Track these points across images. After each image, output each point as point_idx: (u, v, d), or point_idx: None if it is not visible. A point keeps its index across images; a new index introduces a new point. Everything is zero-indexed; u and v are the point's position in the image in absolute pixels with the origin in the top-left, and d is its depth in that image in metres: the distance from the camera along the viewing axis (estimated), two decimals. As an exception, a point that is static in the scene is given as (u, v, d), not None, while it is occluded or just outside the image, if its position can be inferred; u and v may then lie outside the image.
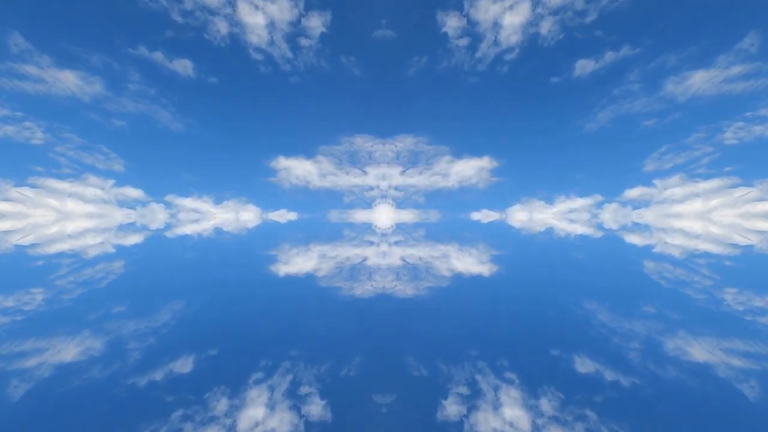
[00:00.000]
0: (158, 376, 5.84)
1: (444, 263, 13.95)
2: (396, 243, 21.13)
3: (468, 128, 27.99)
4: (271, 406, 5.07)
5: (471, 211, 30.57)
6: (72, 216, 23.29)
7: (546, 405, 5.09)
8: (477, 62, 23.00)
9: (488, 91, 24.14)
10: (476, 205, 30.35)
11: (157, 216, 26.23)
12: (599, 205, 27.18)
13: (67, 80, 20.57)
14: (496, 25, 20.82)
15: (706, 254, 16.09)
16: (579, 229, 23.50)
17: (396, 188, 28.80)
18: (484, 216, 30.26)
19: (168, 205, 26.25)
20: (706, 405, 4.97)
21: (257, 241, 19.63)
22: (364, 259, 14.87)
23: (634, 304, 9.27)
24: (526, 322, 8.14)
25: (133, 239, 18.80)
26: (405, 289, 10.47)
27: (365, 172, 29.20)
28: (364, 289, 10.57)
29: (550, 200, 28.61)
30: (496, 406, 5.04)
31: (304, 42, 21.81)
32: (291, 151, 28.09)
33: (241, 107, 25.48)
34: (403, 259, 14.78)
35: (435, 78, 24.06)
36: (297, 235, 20.13)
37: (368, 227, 26.84)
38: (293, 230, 27.16)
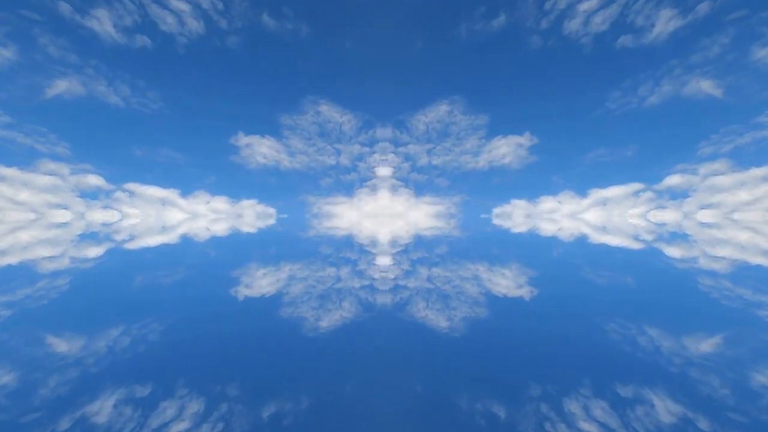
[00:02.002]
0: (64, 425, 4.26)
1: (473, 283, 11.74)
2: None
3: (512, 98, 23.81)
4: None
5: (499, 202, 27.13)
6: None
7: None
8: (543, 15, 18.67)
9: (547, 54, 20.89)
10: (506, 193, 26.78)
11: (129, 217, 23.01)
12: (637, 194, 24.35)
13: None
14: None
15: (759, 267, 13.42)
16: (615, 240, 20.01)
17: (419, 170, 25.37)
18: (513, 208, 27.07)
19: (131, 194, 22.84)
20: None
21: (225, 252, 16.10)
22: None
23: (707, 332, 7.07)
24: (582, 356, 6.19)
25: (94, 251, 16.34)
26: (431, 317, 8.01)
27: (344, 151, 24.72)
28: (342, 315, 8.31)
29: (583, 191, 25.55)
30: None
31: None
32: (251, 126, 24.55)
33: (179, 73, 21.69)
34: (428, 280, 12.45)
35: (487, 36, 20.11)
36: (270, 250, 16.23)
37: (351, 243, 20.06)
38: (268, 240, 22.02)
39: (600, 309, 8.00)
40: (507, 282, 9.70)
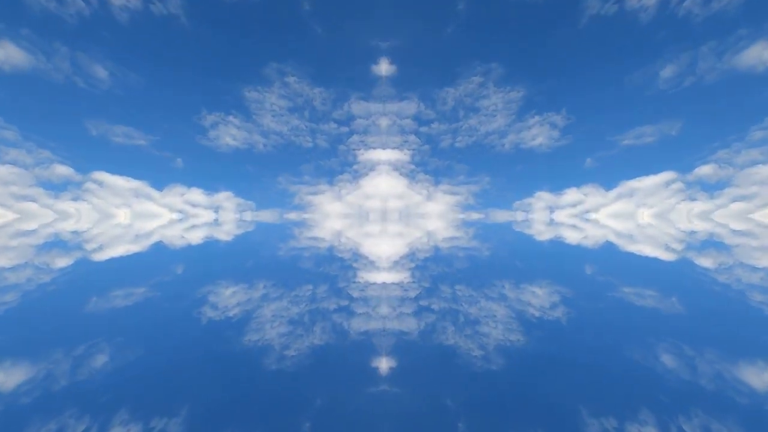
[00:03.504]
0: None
1: (501, 303, 10.76)
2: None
3: (555, 68, 20.82)
4: None
5: (521, 195, 25.44)
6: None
7: None
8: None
9: (602, 21, 18.38)
10: (529, 184, 24.80)
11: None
12: (667, 184, 22.82)
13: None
14: None
15: None
16: (647, 249, 18.76)
17: (440, 153, 22.47)
18: (536, 202, 25.72)
19: (99, 184, 20.95)
20: None
21: (198, 264, 14.26)
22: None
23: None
24: (637, 385, 5.37)
25: (58, 261, 14.51)
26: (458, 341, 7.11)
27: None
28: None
29: (609, 183, 23.90)
30: None
31: None
32: (213, 103, 21.97)
33: (123, 44, 19.55)
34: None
35: None
36: (248, 262, 14.38)
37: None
38: (245, 250, 19.76)
39: (647, 332, 7.12)
40: (538, 300, 8.86)
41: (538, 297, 9.11)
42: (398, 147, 25.19)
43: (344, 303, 8.83)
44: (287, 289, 9.90)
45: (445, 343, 6.74)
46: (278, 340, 6.89)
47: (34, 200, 20.06)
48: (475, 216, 25.66)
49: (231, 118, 22.66)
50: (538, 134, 23.53)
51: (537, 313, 8.01)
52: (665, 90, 20.19)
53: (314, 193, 26.17)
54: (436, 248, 15.92)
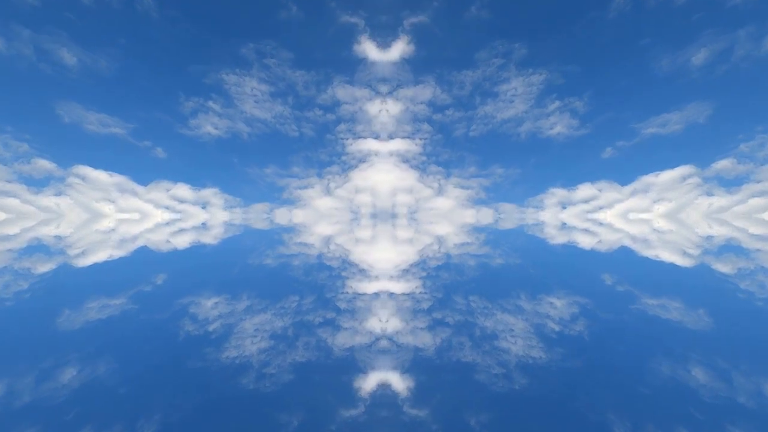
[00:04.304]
0: None
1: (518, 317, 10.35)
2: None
3: (582, 52, 19.62)
4: None
5: (534, 192, 23.83)
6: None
7: None
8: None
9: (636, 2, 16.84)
10: (543, 180, 23.16)
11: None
12: (683, 179, 21.83)
13: None
14: None
15: None
16: (663, 254, 17.92)
17: (453, 143, 20.55)
18: (548, 198, 24.40)
19: (82, 179, 19.52)
20: None
21: (183, 272, 13.26)
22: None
23: None
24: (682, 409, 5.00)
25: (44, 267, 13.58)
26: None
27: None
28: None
29: (625, 179, 22.32)
30: None
31: None
32: (190, 87, 20.20)
33: (90, 27, 18.11)
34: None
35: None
36: (233, 270, 13.13)
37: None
38: (232, 257, 17.68)
39: (676, 346, 6.80)
40: (557, 312, 8.56)
41: (557, 309, 8.82)
42: (409, 136, 23.54)
43: (332, 316, 8.65)
44: (273, 300, 9.62)
45: (463, 359, 6.50)
46: (258, 357, 6.72)
47: (15, 196, 18.98)
48: (485, 212, 24.02)
49: (211, 103, 21.65)
50: (557, 122, 22.83)
51: (557, 327, 7.73)
52: (697, 76, 18.94)
53: (303, 187, 24.37)
54: (447, 255, 15.63)
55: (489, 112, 21.62)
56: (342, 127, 23.17)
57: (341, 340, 7.19)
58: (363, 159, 23.99)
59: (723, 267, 14.74)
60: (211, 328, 7.67)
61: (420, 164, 24.22)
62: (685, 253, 17.15)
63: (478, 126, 22.20)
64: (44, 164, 19.37)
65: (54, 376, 5.77)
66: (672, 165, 22.69)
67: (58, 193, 19.85)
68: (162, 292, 10.45)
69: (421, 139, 23.43)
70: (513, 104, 21.29)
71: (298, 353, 6.66)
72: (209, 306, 8.99)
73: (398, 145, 23.94)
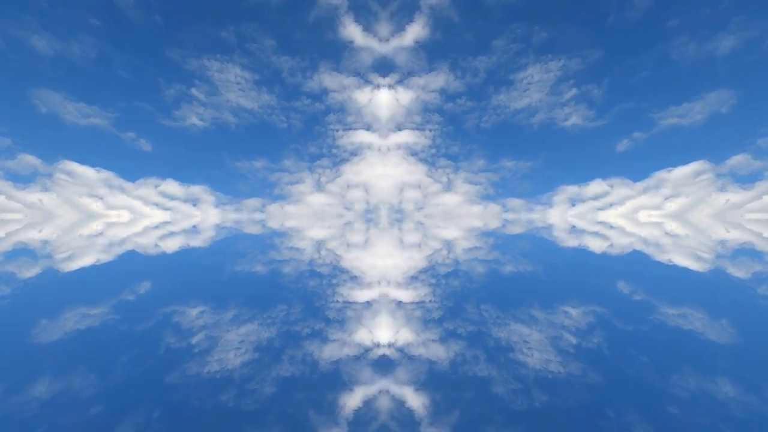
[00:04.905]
0: None
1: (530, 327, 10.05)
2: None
3: (605, 35, 17.76)
4: None
5: (544, 189, 22.53)
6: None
7: None
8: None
9: None
10: (554, 177, 21.47)
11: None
12: (697, 175, 20.97)
13: None
14: None
15: None
16: (677, 258, 17.15)
17: (463, 134, 18.76)
18: (557, 195, 23.53)
19: (69, 174, 18.51)
20: None
21: (172, 278, 12.76)
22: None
23: None
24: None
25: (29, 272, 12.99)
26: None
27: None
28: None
29: (638, 175, 21.18)
30: None
31: None
32: (168, 72, 18.53)
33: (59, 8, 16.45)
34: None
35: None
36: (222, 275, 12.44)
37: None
38: (223, 261, 16.54)
39: (702, 359, 6.52)
40: (573, 323, 8.31)
41: (573, 318, 8.57)
42: (418, 127, 22.20)
43: (324, 326, 8.45)
44: (262, 310, 9.37)
45: (480, 374, 6.29)
46: (240, 371, 6.54)
47: (1, 192, 18.23)
48: (493, 208, 22.84)
49: (194, 91, 19.78)
50: (572, 112, 21.40)
51: (574, 340, 7.48)
52: (722, 64, 17.79)
53: (294, 182, 23.82)
54: (456, 261, 15.40)
55: (502, 101, 20.45)
56: (332, 117, 21.69)
57: (334, 352, 7.01)
58: (355, 152, 22.66)
59: (738, 271, 14.39)
60: (194, 340, 7.44)
61: (429, 157, 22.79)
62: (699, 258, 16.76)
63: (490, 117, 21.24)
64: (30, 159, 18.70)
65: (23, 389, 5.59)
66: (686, 160, 21.85)
67: (45, 190, 19.15)
68: (146, 300, 10.12)
69: (430, 130, 22.22)
70: (527, 93, 20.06)
71: (295, 366, 6.49)
72: (194, 315, 8.73)
73: (406, 137, 22.62)
